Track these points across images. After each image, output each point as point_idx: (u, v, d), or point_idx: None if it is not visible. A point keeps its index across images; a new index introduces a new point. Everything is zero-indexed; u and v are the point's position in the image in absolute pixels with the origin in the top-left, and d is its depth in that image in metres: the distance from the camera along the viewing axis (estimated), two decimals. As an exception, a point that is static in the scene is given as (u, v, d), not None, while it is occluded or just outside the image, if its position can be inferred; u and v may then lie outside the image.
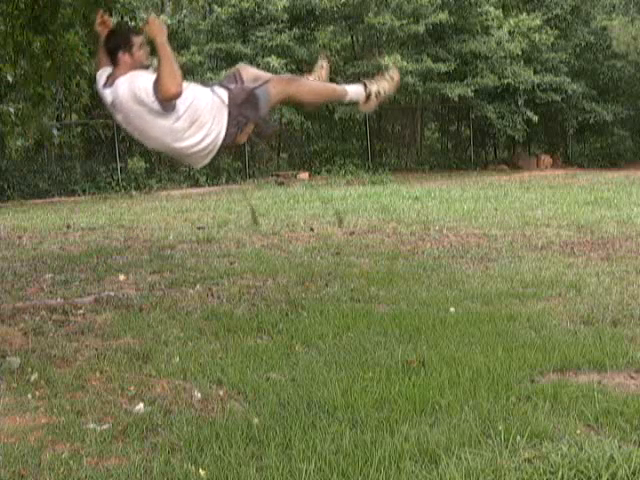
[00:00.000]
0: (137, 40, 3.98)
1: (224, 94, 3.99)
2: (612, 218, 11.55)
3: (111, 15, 8.08)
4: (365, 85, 4.37)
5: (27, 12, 7.90)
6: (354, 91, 4.36)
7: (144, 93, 3.78)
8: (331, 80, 4.56)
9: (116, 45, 3.95)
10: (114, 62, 3.95)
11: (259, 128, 4.14)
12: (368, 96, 4.36)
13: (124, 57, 3.91)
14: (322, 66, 4.51)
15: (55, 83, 8.85)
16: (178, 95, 3.78)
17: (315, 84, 4.39)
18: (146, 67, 3.96)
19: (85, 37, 8.24)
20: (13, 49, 8.25)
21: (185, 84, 3.84)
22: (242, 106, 4.00)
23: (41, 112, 8.81)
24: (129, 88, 3.81)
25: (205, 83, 4.19)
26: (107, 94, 3.92)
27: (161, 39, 3.77)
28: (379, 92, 4.37)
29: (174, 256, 9.51)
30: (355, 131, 28.65)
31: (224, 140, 4.03)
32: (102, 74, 4.01)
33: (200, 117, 3.91)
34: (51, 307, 6.69)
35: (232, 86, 4.07)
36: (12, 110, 8.81)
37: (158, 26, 3.80)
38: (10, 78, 8.40)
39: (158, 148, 4.20)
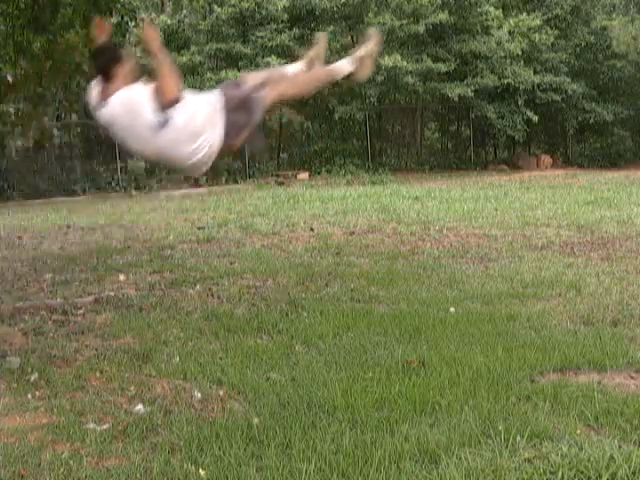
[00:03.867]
0: (127, 53, 4.00)
1: (219, 100, 3.97)
2: (612, 218, 11.54)
3: (111, 15, 8.07)
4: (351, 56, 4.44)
5: (27, 12, 7.90)
6: (344, 64, 4.43)
7: (141, 106, 3.78)
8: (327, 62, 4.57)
9: (107, 60, 3.94)
10: (106, 78, 3.93)
11: (251, 139, 4.15)
12: (360, 61, 4.41)
13: (116, 72, 3.90)
14: (320, 45, 4.51)
15: (55, 83, 8.85)
16: (179, 97, 3.79)
17: (307, 75, 4.42)
18: (136, 80, 3.94)
19: (85, 37, 8.24)
20: (13, 49, 8.25)
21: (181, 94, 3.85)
22: (237, 112, 3.99)
23: (41, 112, 8.81)
24: (125, 103, 3.80)
25: (200, 91, 4.18)
26: (102, 114, 3.90)
27: (158, 43, 3.80)
28: (368, 54, 4.44)
29: (174, 256, 9.51)
30: (355, 131, 28.61)
31: (220, 147, 4.02)
32: (92, 93, 3.99)
33: (197, 127, 3.88)
34: (51, 307, 6.68)
35: (228, 91, 4.06)
36: (12, 110, 8.81)
37: (153, 31, 3.83)
38: (10, 78, 8.39)
39: (156, 159, 4.21)
